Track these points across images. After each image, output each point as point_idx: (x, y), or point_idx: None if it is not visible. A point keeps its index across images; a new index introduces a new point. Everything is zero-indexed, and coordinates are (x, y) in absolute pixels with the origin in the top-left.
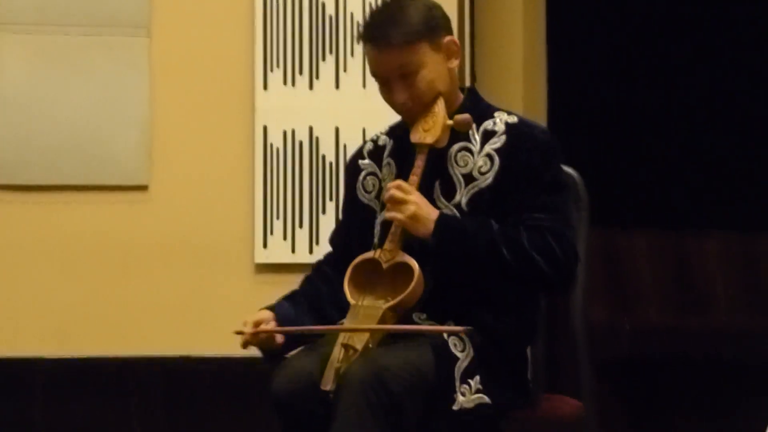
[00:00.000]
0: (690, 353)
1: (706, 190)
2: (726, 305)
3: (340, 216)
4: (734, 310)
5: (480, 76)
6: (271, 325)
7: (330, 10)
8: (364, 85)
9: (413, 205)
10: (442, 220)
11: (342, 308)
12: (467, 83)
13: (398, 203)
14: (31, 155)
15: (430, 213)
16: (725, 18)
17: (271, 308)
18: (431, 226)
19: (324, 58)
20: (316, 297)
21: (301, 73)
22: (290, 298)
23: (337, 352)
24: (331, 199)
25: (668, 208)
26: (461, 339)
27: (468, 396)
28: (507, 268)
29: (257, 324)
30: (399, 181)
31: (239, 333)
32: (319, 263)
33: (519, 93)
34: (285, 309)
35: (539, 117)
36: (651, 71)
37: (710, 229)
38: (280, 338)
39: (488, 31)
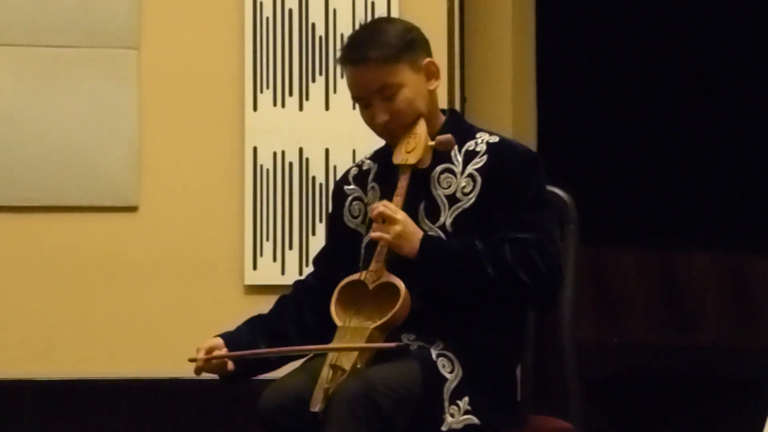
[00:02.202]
0: (678, 370)
1: (695, 209)
2: (714, 322)
3: (326, 238)
4: (722, 327)
5: (469, 97)
6: (222, 351)
7: (320, 31)
8: (354, 106)
9: (399, 224)
10: (427, 240)
11: (304, 332)
12: (457, 103)
13: (384, 223)
14: (17, 174)
15: (416, 233)
16: (714, 37)
17: (224, 335)
18: (416, 245)
19: (314, 79)
20: (278, 320)
21: (291, 94)
22: (248, 323)
23: (326, 373)
24: (320, 220)
25: (657, 227)
26: (449, 359)
27: (457, 417)
28: (492, 285)
29: (209, 351)
30: (385, 201)
31: (192, 360)
32: (297, 283)
33: (508, 113)
34: (238, 335)
35: (529, 136)
36: (641, 90)
37: (698, 248)
38: (231, 364)
39: (478, 52)
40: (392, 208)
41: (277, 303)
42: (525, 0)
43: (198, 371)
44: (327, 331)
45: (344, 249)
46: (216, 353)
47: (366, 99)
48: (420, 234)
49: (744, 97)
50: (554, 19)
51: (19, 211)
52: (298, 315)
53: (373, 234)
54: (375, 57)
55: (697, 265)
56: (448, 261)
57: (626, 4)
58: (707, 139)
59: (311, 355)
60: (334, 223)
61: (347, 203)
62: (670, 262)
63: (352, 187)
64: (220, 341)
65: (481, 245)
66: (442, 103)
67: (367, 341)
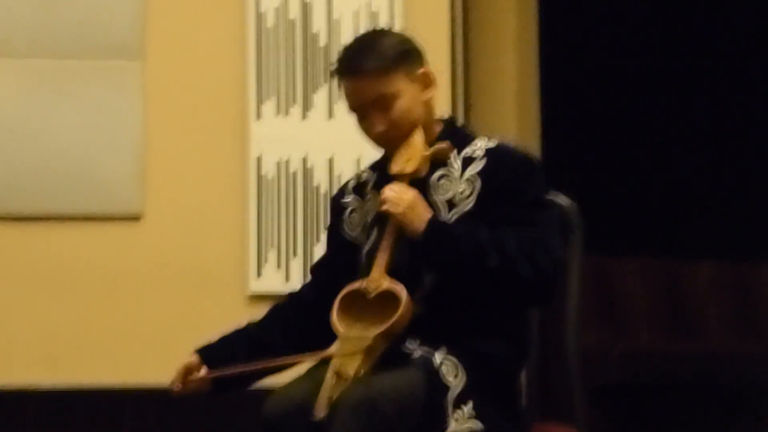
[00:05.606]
0: (682, 377)
1: (699, 218)
2: (717, 330)
3: (325, 249)
4: (725, 334)
5: (473, 104)
6: (202, 370)
7: (323, 40)
8: None
9: (408, 201)
10: (435, 220)
11: (290, 344)
12: (460, 111)
13: (394, 201)
14: (22, 184)
15: (426, 211)
16: (718, 49)
17: (201, 350)
18: (422, 225)
19: (317, 88)
20: (264, 331)
21: (294, 102)
22: (229, 335)
23: (329, 380)
24: (324, 228)
25: (661, 236)
26: (453, 365)
27: (461, 422)
28: (493, 275)
29: (186, 370)
30: (390, 185)
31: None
32: (292, 294)
33: (513, 121)
34: (214, 351)
35: (533, 144)
36: (646, 99)
37: (701, 256)
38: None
39: (481, 59)
40: (399, 188)
41: (268, 312)
42: (528, 7)
43: (176, 394)
44: (317, 342)
45: (343, 260)
46: (195, 375)
47: (362, 110)
48: (428, 214)
49: (748, 108)
50: (558, 25)
51: (25, 221)
52: (285, 326)
53: (383, 207)
54: (370, 68)
55: (701, 273)
56: (451, 244)
57: (631, 10)
58: (711, 149)
59: (308, 363)
60: (333, 234)
61: (346, 215)
62: (673, 271)
63: (350, 198)
64: (196, 360)
65: (487, 232)
66: (445, 110)
67: (369, 349)
